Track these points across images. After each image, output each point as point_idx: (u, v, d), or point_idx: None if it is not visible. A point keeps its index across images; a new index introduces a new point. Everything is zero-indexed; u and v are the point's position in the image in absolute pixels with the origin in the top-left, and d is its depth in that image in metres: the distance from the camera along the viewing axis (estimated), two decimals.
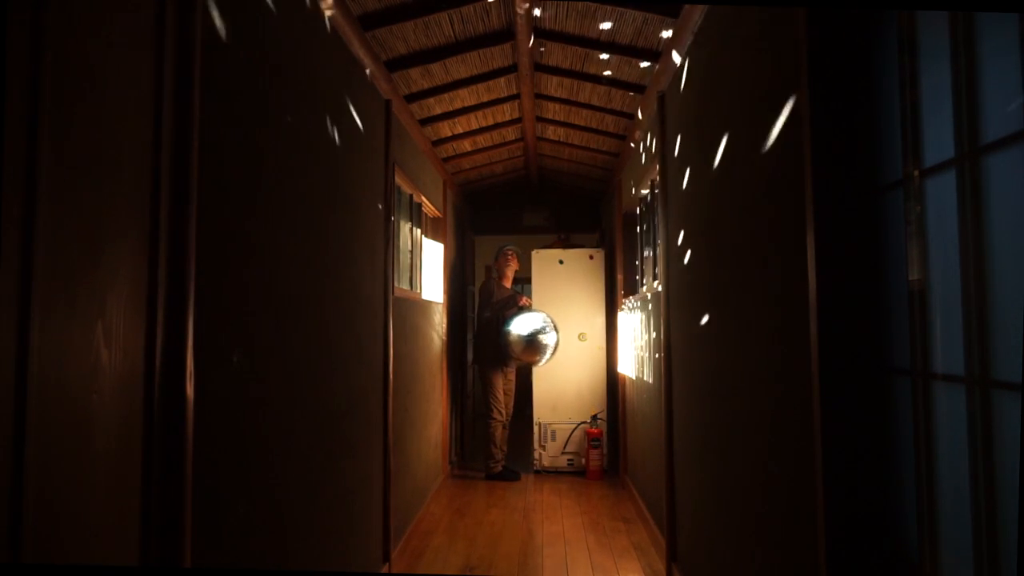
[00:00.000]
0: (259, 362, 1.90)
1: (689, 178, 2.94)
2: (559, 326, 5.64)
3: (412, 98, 3.87)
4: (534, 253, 5.91)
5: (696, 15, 2.66)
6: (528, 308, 5.62)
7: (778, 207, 1.82)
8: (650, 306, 4.07)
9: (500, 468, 5.49)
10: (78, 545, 1.21)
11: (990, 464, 1.18)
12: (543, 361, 5.51)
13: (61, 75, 1.15)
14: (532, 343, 5.41)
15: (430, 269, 5.26)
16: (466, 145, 5.13)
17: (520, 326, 5.47)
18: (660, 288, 3.50)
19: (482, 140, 5.12)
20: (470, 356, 6.64)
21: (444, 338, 5.44)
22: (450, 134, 4.77)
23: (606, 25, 3.20)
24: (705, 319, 2.64)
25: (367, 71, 3.08)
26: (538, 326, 5.44)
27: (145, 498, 1.37)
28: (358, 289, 2.93)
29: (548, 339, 5.44)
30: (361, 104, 3.01)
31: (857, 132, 1.53)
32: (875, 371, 1.49)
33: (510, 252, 5.73)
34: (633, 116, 4.24)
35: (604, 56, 3.55)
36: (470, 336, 6.72)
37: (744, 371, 2.15)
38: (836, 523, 1.47)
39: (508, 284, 5.75)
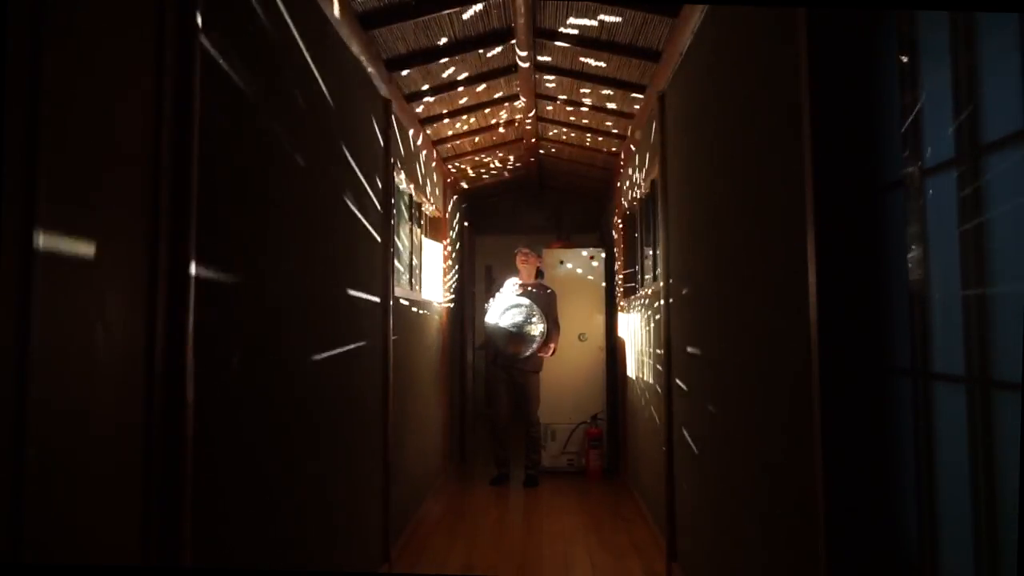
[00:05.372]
0: (260, 362, 1.90)
1: (689, 178, 2.94)
2: (559, 325, 5.62)
3: (412, 98, 3.87)
4: None
5: (696, 15, 2.66)
6: (527, 292, 5.39)
7: (778, 207, 1.82)
8: (650, 306, 4.07)
9: (495, 474, 5.39)
10: (78, 545, 1.21)
11: (990, 464, 1.18)
12: (527, 352, 5.27)
13: (61, 74, 1.15)
14: (512, 332, 5.24)
15: (430, 269, 5.26)
16: (466, 145, 5.13)
17: (498, 310, 5.31)
18: (660, 288, 3.50)
19: (482, 140, 5.12)
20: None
21: (444, 338, 5.43)
22: (450, 134, 4.77)
23: (610, 18, 3.20)
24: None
25: (367, 71, 3.08)
26: (515, 312, 5.25)
27: (145, 498, 1.37)
28: (358, 289, 2.93)
29: (514, 317, 5.25)
30: (361, 104, 3.01)
31: (857, 132, 1.53)
32: (875, 371, 1.49)
33: (518, 254, 5.53)
34: (633, 116, 4.24)
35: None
36: (471, 336, 6.70)
37: (744, 371, 2.15)
38: (836, 522, 1.47)
39: (525, 280, 5.49)
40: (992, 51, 1.20)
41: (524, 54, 3.61)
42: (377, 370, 3.25)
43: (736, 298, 2.23)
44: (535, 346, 5.26)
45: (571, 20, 3.28)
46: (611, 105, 4.21)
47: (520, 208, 7.28)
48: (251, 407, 1.85)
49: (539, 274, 5.59)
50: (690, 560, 2.97)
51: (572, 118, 4.67)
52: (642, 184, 4.39)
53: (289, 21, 2.15)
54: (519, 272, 5.51)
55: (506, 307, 5.29)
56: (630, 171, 4.86)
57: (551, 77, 3.99)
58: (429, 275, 5.21)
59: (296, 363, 2.18)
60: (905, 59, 1.43)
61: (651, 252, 4.36)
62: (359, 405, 2.94)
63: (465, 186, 6.29)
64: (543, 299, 5.39)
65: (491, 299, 5.54)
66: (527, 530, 4.25)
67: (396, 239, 3.80)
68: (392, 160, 3.47)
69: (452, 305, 5.83)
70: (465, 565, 3.61)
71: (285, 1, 2.10)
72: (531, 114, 4.60)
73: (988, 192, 1.20)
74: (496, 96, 4.27)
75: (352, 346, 2.83)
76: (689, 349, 2.95)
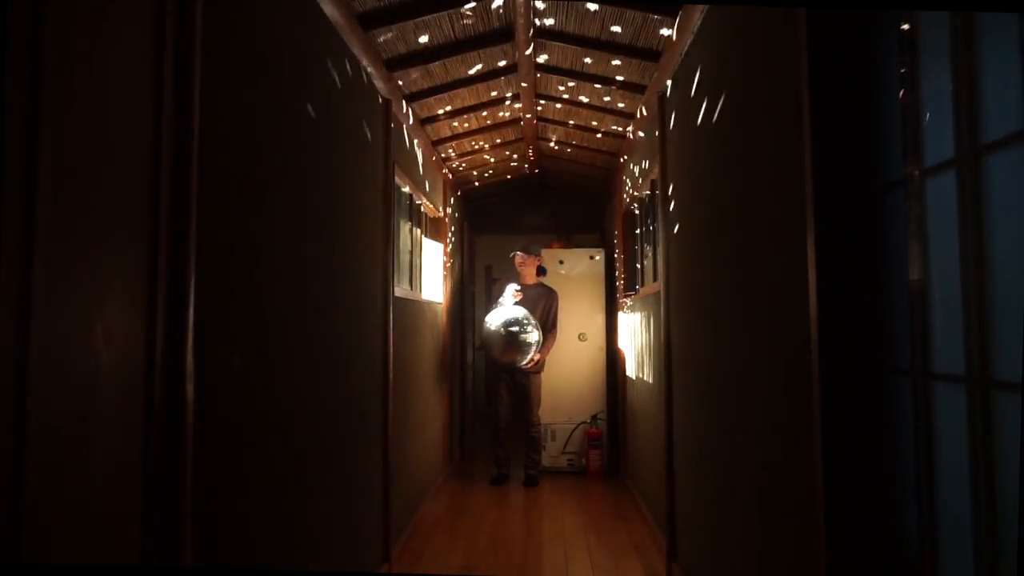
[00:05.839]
0: (259, 362, 1.90)
1: (689, 178, 2.94)
2: (560, 326, 5.61)
3: (412, 98, 3.87)
4: None
5: (696, 15, 2.66)
6: (519, 298, 5.30)
7: (778, 207, 1.82)
8: (650, 306, 4.07)
9: (495, 474, 5.36)
10: (78, 545, 1.21)
11: (990, 464, 1.18)
12: (522, 361, 5.19)
13: (61, 74, 1.15)
14: (507, 341, 5.13)
15: (430, 269, 5.26)
16: (466, 145, 5.13)
17: (495, 319, 5.19)
18: (660, 288, 3.50)
19: (482, 140, 5.11)
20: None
21: (444, 338, 5.43)
22: (450, 134, 4.77)
23: (615, 28, 3.20)
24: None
25: (367, 71, 3.08)
26: (512, 324, 5.13)
27: (145, 498, 1.37)
28: (358, 289, 2.93)
29: (510, 327, 5.11)
30: (361, 104, 3.01)
31: (857, 132, 1.53)
32: (875, 371, 1.49)
33: (515, 258, 5.49)
34: (633, 116, 4.24)
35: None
36: (471, 336, 6.69)
37: (744, 371, 2.15)
38: (836, 522, 1.47)
39: (527, 281, 5.43)
40: (992, 51, 1.20)
41: (524, 54, 3.61)
42: (377, 370, 3.25)
43: (736, 298, 2.23)
44: (531, 354, 5.21)
45: (571, 20, 3.28)
46: (611, 105, 4.21)
47: (520, 208, 7.28)
48: (251, 407, 1.85)
49: (540, 271, 5.54)
50: (690, 560, 2.97)
51: (572, 118, 4.67)
52: (642, 184, 4.39)
53: (289, 21, 2.15)
54: (519, 275, 5.47)
55: (502, 319, 5.18)
56: (630, 171, 4.86)
57: (551, 77, 3.99)
58: (429, 275, 5.20)
59: (296, 363, 2.18)
60: (905, 59, 1.43)
61: (651, 252, 4.36)
62: (359, 405, 2.94)
63: (465, 186, 6.29)
64: (544, 300, 5.34)
65: (493, 305, 5.43)
66: (527, 530, 4.25)
67: (395, 239, 3.80)
68: (392, 160, 3.47)
69: (452, 305, 5.83)
70: (465, 565, 3.61)
71: (285, 1, 2.10)
72: (531, 114, 4.60)
73: (988, 192, 1.20)
74: (496, 96, 4.27)
75: (352, 346, 2.83)
76: (689, 349, 2.95)
